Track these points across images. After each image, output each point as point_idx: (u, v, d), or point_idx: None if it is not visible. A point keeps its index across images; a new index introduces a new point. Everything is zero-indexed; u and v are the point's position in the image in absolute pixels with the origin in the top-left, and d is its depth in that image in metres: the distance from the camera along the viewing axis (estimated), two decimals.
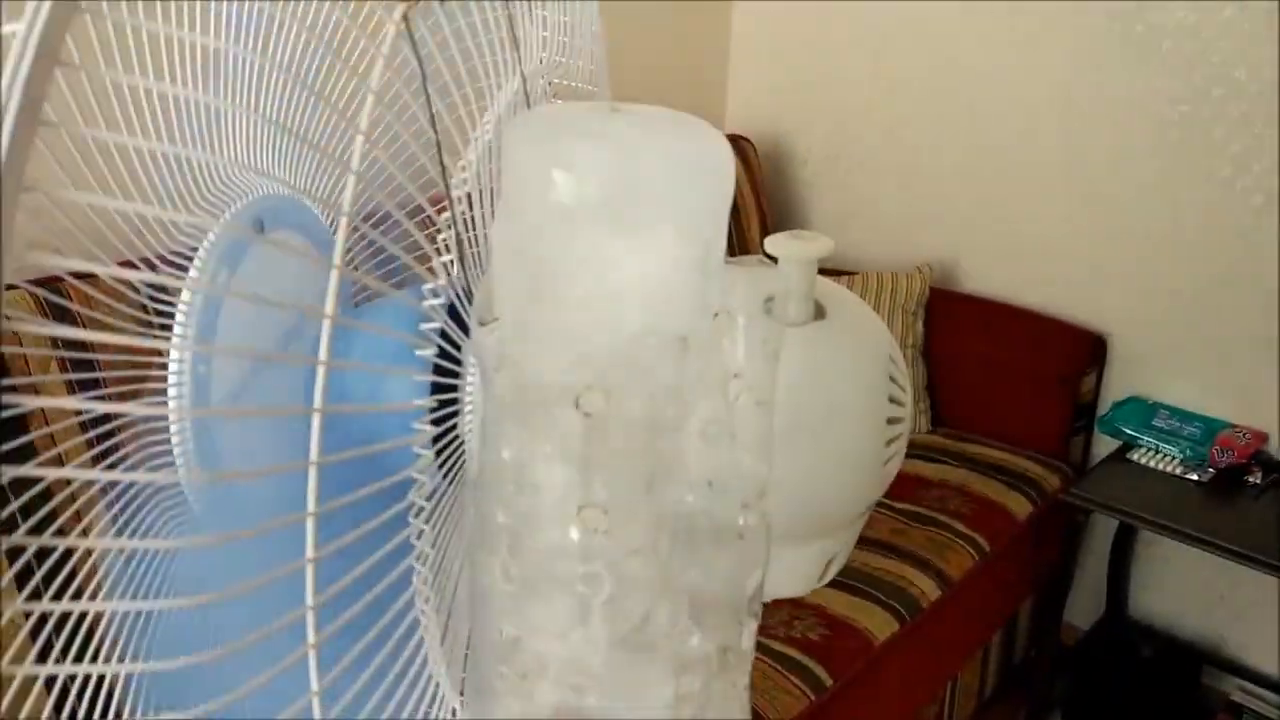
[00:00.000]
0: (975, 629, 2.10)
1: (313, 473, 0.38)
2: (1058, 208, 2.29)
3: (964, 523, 2.04)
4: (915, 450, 2.28)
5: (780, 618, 1.80)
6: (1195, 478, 2.04)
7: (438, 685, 0.52)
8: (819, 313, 0.48)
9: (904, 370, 0.52)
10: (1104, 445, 2.27)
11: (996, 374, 2.32)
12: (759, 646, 1.76)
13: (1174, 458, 2.09)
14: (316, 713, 0.45)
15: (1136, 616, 2.34)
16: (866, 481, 0.50)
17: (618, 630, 0.39)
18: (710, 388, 0.39)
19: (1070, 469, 2.27)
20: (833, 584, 1.85)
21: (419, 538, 0.49)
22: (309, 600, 0.43)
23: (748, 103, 2.76)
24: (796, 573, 0.51)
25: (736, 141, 2.48)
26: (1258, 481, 2.02)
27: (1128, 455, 2.13)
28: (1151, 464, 2.10)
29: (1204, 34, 2.02)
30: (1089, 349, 2.26)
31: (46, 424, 0.61)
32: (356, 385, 0.53)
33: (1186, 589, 2.28)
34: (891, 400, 0.50)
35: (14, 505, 0.50)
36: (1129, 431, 2.14)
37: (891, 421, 0.50)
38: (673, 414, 0.38)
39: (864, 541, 1.98)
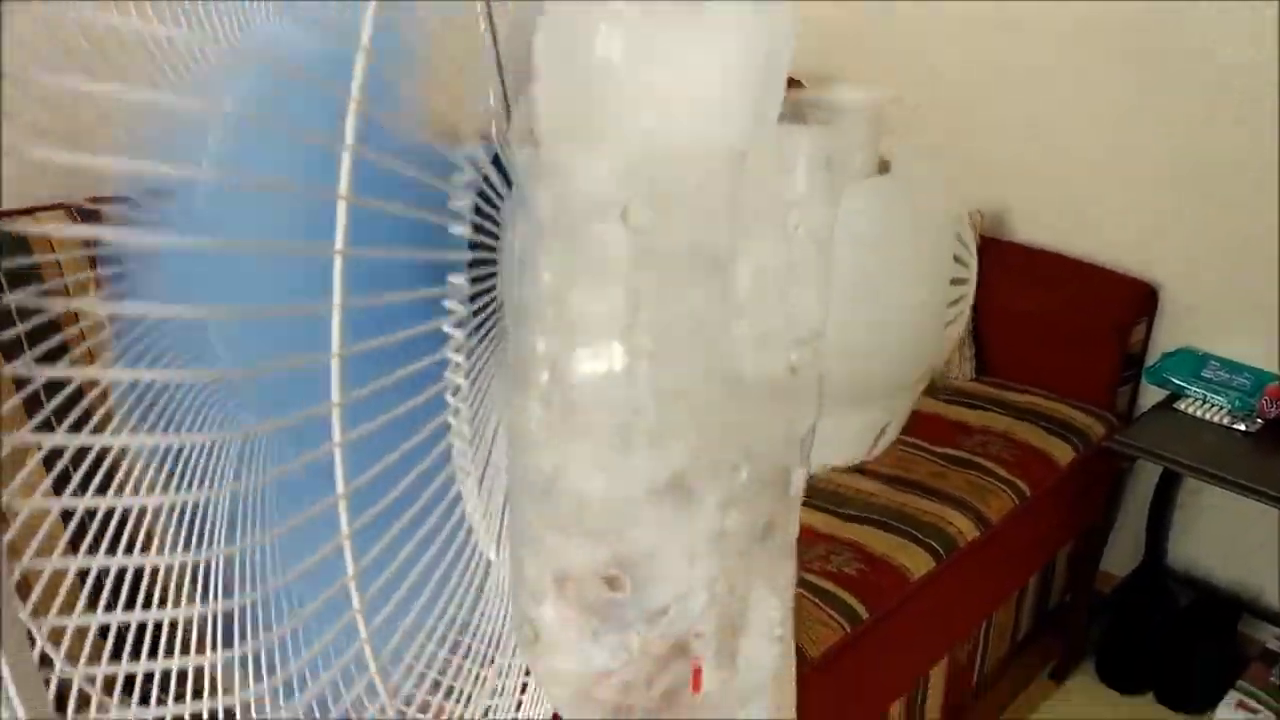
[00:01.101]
0: (1013, 571, 2.08)
1: (336, 365, 0.37)
2: (1111, 157, 2.24)
3: (1005, 468, 2.02)
4: (959, 398, 2.26)
5: (817, 553, 1.80)
6: (1243, 428, 2.01)
7: (476, 541, 0.52)
8: (884, 169, 0.47)
9: (970, 232, 0.51)
10: (1151, 397, 2.24)
11: (1045, 323, 2.29)
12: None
13: (1222, 408, 2.05)
14: (354, 597, 0.44)
15: (1175, 566, 2.32)
16: (926, 342, 0.49)
17: (660, 468, 0.38)
18: (766, 222, 0.38)
19: (1116, 419, 2.24)
20: (871, 522, 1.85)
21: (454, 394, 0.48)
22: (339, 488, 0.42)
23: (796, 48, 2.71)
24: (848, 439, 0.50)
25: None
26: None
27: (1175, 405, 2.10)
28: (1199, 414, 2.06)
29: None
30: (1139, 299, 2.22)
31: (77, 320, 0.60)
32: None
33: (1226, 538, 2.25)
34: (956, 260, 0.49)
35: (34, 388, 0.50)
36: (1177, 381, 2.11)
37: (955, 282, 0.49)
38: (726, 240, 0.36)
39: (903, 483, 1.97)
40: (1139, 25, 2.14)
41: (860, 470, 2.02)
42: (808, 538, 1.84)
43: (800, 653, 1.61)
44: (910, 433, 2.14)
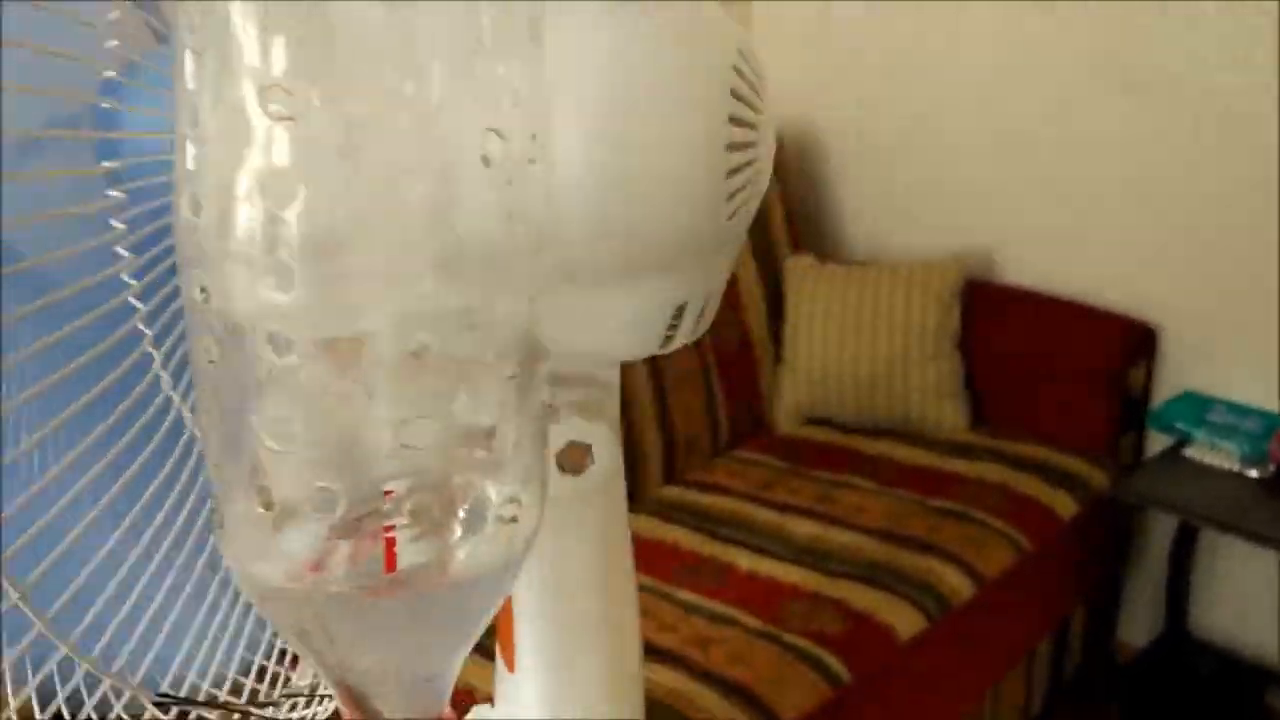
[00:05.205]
0: (1016, 633, 1.95)
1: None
2: (1102, 191, 2.17)
3: (1002, 520, 1.91)
4: (952, 448, 2.15)
5: (797, 610, 1.69)
6: (1255, 474, 1.90)
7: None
8: None
9: (758, 83, 0.43)
10: (1156, 444, 2.12)
11: (1039, 369, 2.19)
12: (770, 637, 1.64)
13: (1231, 454, 1.94)
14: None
15: (1196, 634, 2.17)
16: (698, 210, 0.41)
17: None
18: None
19: (1121, 468, 2.12)
20: (854, 577, 1.73)
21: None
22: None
23: (772, 96, 2.68)
24: (638, 320, 0.42)
25: None
26: None
27: (1182, 452, 1.99)
28: (1207, 461, 1.95)
29: None
30: (1137, 341, 2.12)
31: None
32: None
33: (1248, 605, 2.11)
34: (734, 121, 0.41)
35: None
36: (1182, 427, 2.00)
37: (734, 148, 0.41)
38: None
39: (892, 537, 1.86)
40: (1129, 54, 2.08)
41: (846, 524, 1.91)
42: (786, 596, 1.73)
43: (774, 718, 1.49)
44: (901, 485, 2.03)
